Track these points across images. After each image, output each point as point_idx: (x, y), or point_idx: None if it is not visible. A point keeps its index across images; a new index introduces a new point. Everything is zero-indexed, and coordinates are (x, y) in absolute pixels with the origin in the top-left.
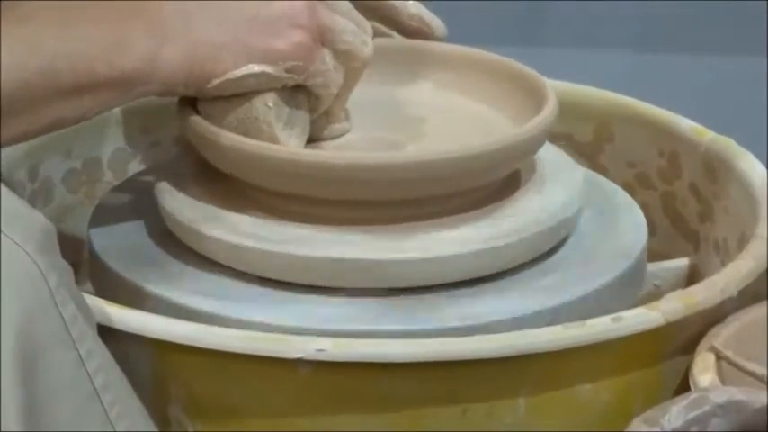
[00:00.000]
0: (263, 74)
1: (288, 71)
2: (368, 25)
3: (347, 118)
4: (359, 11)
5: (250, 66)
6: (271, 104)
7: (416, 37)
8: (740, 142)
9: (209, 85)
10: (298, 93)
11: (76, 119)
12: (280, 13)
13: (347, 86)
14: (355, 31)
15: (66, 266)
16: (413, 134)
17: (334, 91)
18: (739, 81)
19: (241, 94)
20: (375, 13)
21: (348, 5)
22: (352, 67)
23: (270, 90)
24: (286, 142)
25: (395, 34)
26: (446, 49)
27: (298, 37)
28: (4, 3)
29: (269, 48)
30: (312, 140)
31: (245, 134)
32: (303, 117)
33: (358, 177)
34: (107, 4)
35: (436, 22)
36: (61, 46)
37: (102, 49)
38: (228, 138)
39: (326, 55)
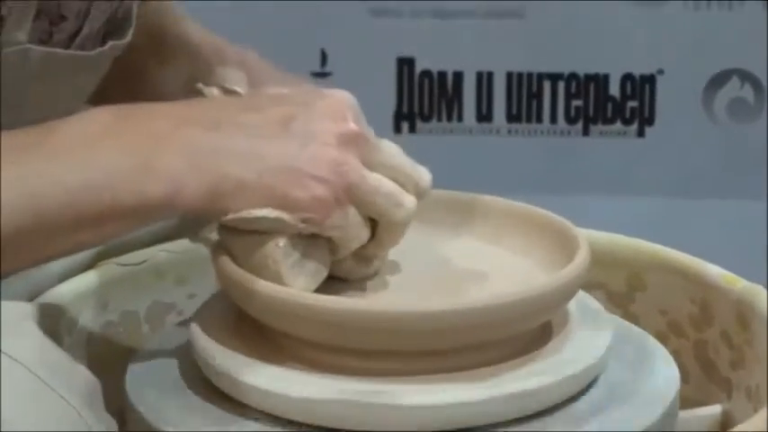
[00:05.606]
0: (278, 219)
1: (303, 221)
2: (416, 180)
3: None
4: None
5: (268, 209)
6: (281, 245)
7: None
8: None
9: (225, 218)
10: (317, 235)
11: (94, 245)
12: (305, 164)
13: (381, 244)
14: (389, 192)
15: (110, 420)
16: (444, 284)
17: (354, 245)
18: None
19: (260, 233)
20: None
21: (397, 158)
22: (386, 226)
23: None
24: (292, 281)
25: None
26: (481, 199)
27: (318, 191)
28: (33, 139)
29: (288, 195)
30: (334, 277)
31: (257, 270)
32: (319, 256)
33: (377, 327)
34: (135, 131)
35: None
36: (84, 178)
37: (127, 175)
38: (249, 279)
39: (350, 210)
